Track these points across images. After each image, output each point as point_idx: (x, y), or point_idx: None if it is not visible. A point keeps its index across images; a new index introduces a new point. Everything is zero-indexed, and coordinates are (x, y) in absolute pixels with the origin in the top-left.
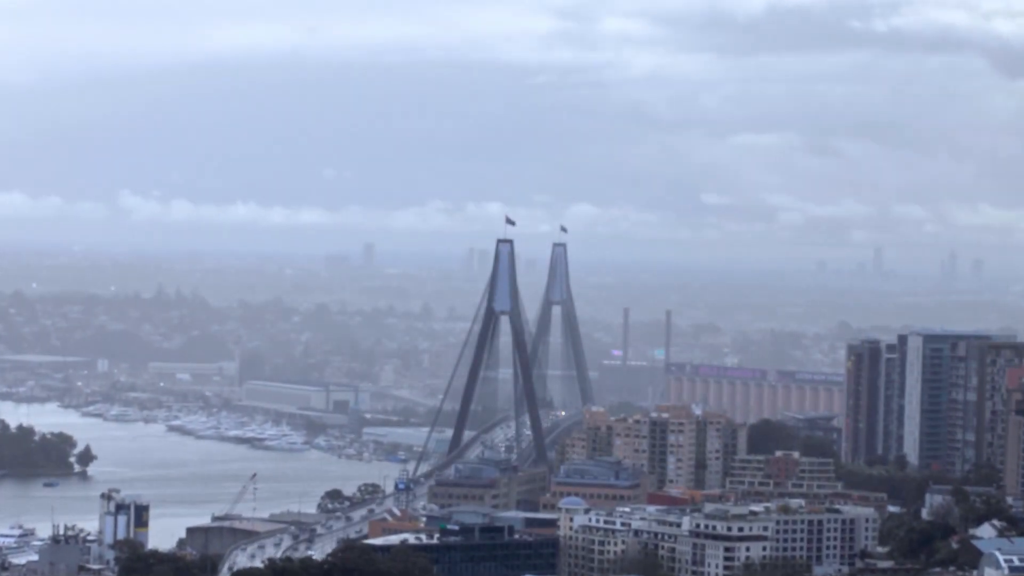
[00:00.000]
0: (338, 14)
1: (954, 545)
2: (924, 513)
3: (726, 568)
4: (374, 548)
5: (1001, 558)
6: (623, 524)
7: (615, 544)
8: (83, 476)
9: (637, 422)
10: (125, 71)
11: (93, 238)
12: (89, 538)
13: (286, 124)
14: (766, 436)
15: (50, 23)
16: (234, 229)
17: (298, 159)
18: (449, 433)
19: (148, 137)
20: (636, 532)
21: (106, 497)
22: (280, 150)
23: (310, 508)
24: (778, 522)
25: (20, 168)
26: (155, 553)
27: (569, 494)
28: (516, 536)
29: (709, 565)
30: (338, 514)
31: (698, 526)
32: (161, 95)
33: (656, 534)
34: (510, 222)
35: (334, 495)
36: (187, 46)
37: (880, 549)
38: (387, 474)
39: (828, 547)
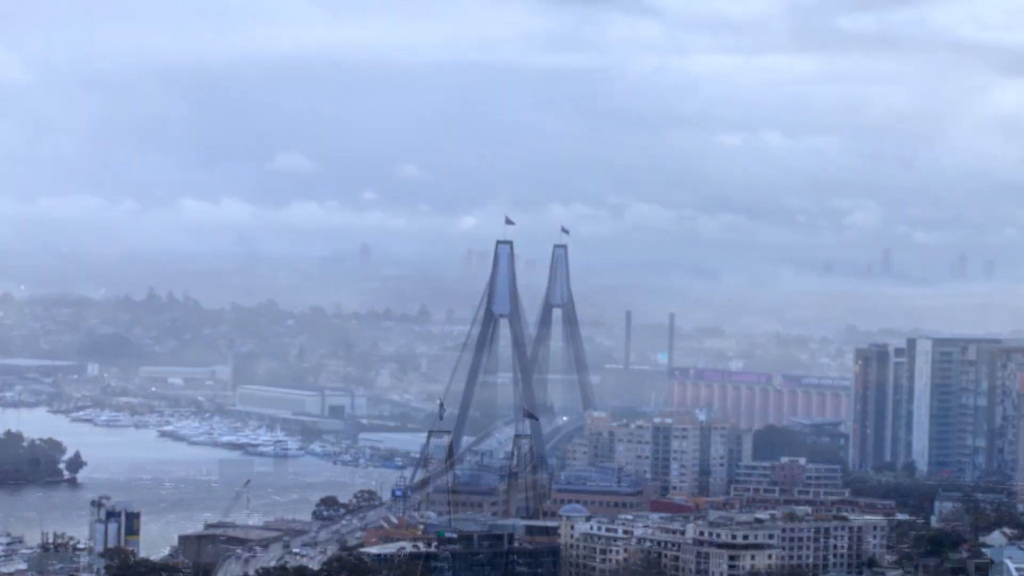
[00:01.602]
0: (343, 14)
1: (964, 553)
2: (933, 520)
3: None
4: (371, 556)
5: (1012, 566)
6: (625, 532)
7: (617, 552)
8: (73, 483)
9: (640, 428)
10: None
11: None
12: (79, 546)
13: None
14: (772, 442)
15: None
16: (230, 229)
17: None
18: (447, 439)
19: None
20: (639, 540)
21: (96, 504)
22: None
23: (305, 515)
24: (784, 530)
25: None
26: (146, 562)
27: (570, 501)
28: (516, 544)
29: (713, 574)
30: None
31: (702, 534)
32: (170, 96)
33: (659, 542)
34: (509, 222)
35: (329, 502)
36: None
37: (888, 557)
38: (384, 481)
39: (835, 555)
